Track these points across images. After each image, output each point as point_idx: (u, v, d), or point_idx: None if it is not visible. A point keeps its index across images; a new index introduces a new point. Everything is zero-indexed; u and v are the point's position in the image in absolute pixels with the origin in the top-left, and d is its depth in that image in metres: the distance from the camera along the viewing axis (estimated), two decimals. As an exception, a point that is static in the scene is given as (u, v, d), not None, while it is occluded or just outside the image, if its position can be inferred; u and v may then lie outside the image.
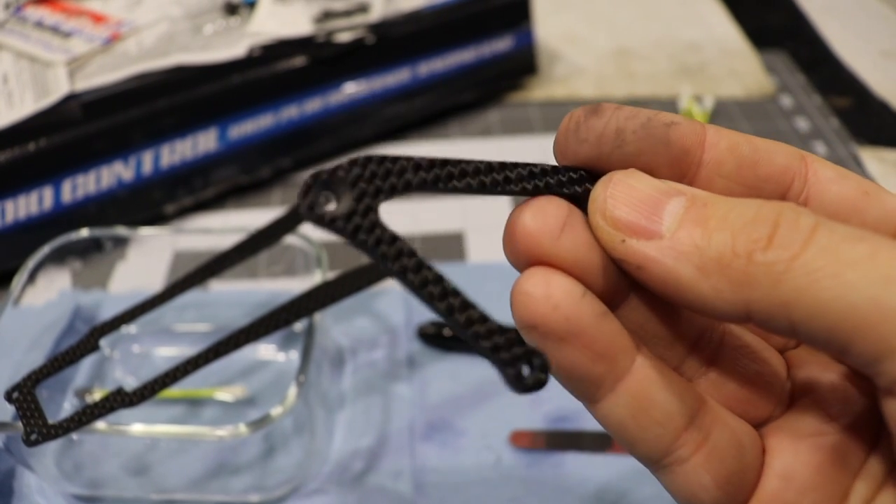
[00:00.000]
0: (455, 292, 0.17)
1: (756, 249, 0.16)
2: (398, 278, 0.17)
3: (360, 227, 0.17)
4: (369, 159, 0.18)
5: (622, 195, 0.18)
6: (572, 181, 0.19)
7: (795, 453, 0.19)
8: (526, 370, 0.16)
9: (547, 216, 0.18)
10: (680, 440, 0.19)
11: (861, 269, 0.15)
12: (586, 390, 0.19)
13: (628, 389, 0.18)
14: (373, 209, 0.17)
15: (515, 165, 0.19)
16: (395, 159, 0.18)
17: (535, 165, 0.19)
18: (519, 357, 0.17)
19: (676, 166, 0.19)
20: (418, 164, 0.18)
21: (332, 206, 0.17)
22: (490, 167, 0.19)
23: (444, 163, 0.18)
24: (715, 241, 0.17)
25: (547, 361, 0.17)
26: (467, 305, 0.17)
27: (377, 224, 0.17)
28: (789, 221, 0.16)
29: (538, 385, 0.16)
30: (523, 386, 0.16)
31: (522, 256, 0.18)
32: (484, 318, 0.17)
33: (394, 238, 0.17)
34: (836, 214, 0.19)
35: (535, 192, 0.19)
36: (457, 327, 0.17)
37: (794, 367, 0.21)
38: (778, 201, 0.17)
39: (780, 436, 0.20)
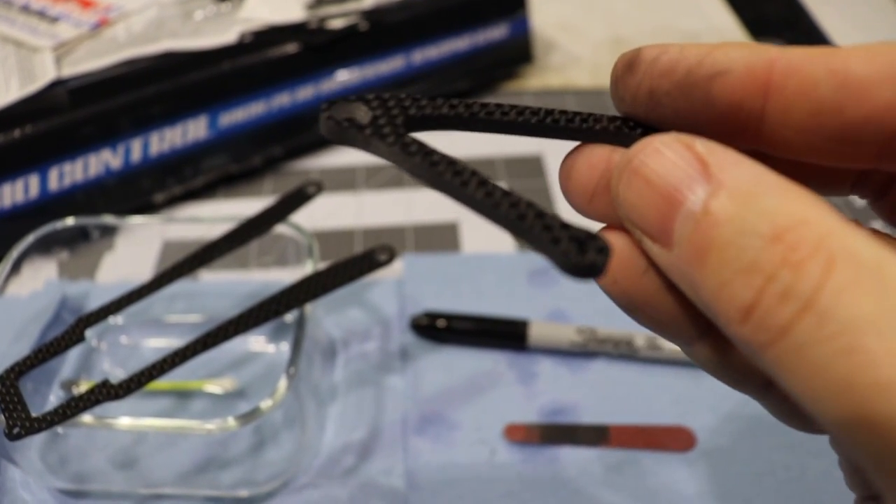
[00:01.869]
0: (496, 186, 0.16)
1: (733, 320, 0.14)
2: (433, 178, 0.16)
3: (385, 128, 0.17)
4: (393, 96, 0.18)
5: (634, 192, 0.16)
6: (621, 129, 0.18)
7: None
8: (580, 252, 0.15)
9: (581, 175, 0.18)
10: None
11: (837, 383, 0.13)
12: (668, 338, 0.18)
13: (703, 350, 0.17)
14: (396, 121, 0.17)
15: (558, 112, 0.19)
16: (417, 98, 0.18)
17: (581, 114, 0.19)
18: (574, 238, 0.15)
19: (727, 124, 0.16)
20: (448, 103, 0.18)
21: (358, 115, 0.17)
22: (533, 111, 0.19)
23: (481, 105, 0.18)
24: (703, 290, 0.15)
25: (606, 245, 0.15)
26: (510, 194, 0.16)
27: (402, 132, 0.17)
28: (774, 294, 0.13)
29: (595, 269, 0.14)
30: (579, 268, 0.15)
31: (582, 212, 0.18)
32: (531, 205, 0.15)
33: (421, 144, 0.17)
34: None
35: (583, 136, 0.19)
36: (503, 218, 0.15)
37: None
38: (794, 233, 0.13)
39: None
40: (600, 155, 0.18)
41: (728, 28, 0.71)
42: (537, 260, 0.47)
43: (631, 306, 0.17)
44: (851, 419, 0.13)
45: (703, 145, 0.15)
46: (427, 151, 0.17)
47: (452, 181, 0.16)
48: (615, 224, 0.17)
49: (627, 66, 0.17)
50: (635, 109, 0.18)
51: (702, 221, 0.14)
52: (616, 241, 0.17)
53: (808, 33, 0.71)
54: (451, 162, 0.16)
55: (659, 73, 0.17)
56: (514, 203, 0.15)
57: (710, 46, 0.16)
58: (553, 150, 0.57)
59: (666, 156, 0.15)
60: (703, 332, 0.17)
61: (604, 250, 0.15)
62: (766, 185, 0.14)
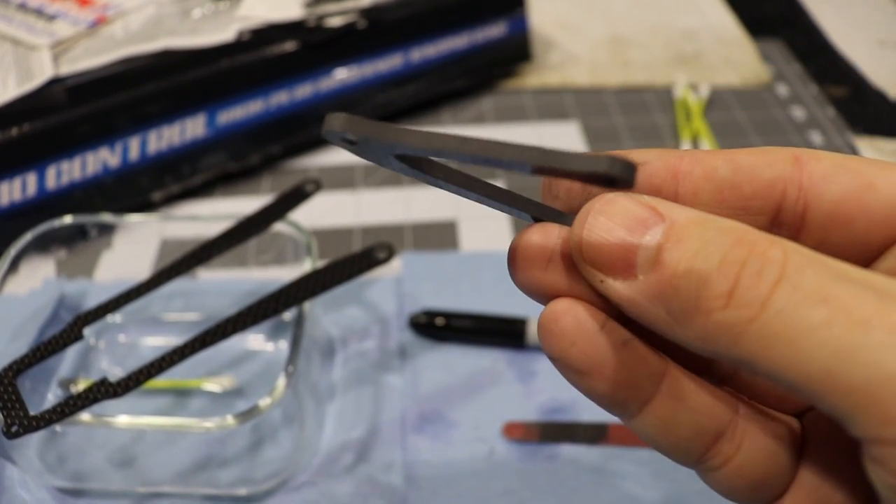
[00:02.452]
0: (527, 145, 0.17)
1: (715, 308, 0.16)
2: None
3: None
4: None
5: (598, 232, 0.18)
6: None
7: (833, 446, 0.19)
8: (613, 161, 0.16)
9: (533, 250, 0.19)
10: (710, 452, 0.19)
11: (815, 338, 0.15)
12: (614, 412, 0.19)
13: (654, 412, 0.19)
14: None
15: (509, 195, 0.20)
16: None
17: (527, 200, 0.20)
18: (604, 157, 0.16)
19: None
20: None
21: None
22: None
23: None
24: (681, 293, 0.16)
25: (634, 166, 0.16)
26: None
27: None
28: (751, 274, 0.15)
29: (630, 169, 0.16)
30: (619, 182, 0.16)
31: (525, 289, 0.19)
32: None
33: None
34: (836, 217, 0.19)
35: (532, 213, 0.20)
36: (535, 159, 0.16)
37: None
38: (750, 235, 0.16)
39: (819, 425, 0.20)
40: (552, 228, 0.19)
41: (726, 26, 0.71)
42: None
43: (588, 368, 0.18)
44: (831, 370, 0.15)
45: (646, 197, 0.18)
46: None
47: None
48: (566, 293, 0.19)
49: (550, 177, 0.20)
50: (570, 203, 0.20)
51: (665, 244, 0.17)
52: (571, 305, 0.18)
53: (806, 32, 0.71)
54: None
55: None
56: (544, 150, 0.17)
57: (626, 151, 0.20)
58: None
59: (621, 201, 0.18)
60: (654, 393, 0.18)
61: (630, 165, 0.16)
62: (711, 217, 0.17)
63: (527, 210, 0.20)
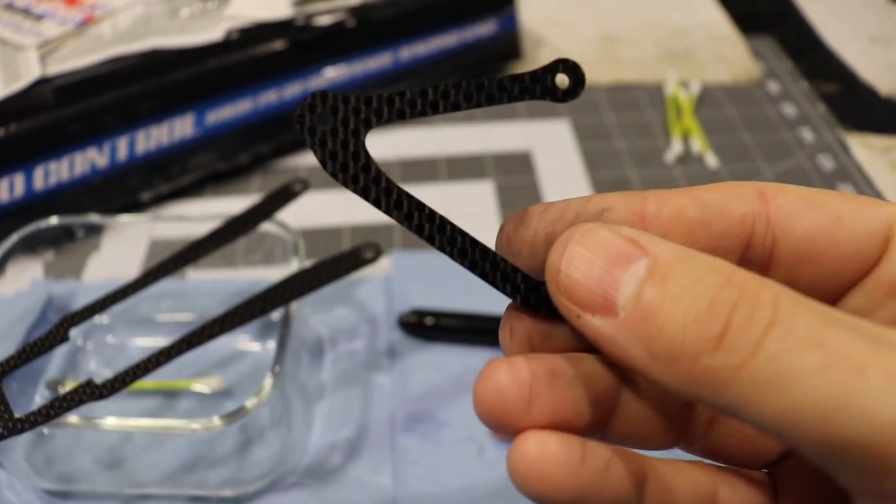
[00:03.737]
0: None
1: (704, 351, 0.15)
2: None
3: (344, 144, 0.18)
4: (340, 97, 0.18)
5: (577, 265, 0.17)
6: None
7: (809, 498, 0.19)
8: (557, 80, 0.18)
9: (508, 397, 0.17)
10: None
11: (809, 384, 0.14)
12: None
13: None
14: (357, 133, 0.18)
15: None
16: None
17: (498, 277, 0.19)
18: (548, 69, 0.18)
19: None
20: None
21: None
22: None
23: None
24: (666, 333, 0.16)
25: (578, 68, 0.18)
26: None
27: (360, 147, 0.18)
28: (743, 317, 0.15)
29: (573, 93, 0.18)
30: (560, 94, 0.18)
31: (504, 432, 0.18)
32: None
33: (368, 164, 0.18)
34: (806, 252, 0.18)
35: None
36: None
37: None
38: (739, 275, 0.16)
39: (789, 479, 0.20)
40: (516, 362, 0.18)
41: (717, 24, 0.71)
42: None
43: (575, 501, 0.17)
44: (825, 418, 0.14)
45: (627, 228, 0.17)
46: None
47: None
48: (546, 425, 0.17)
49: (518, 221, 0.19)
50: (533, 259, 0.19)
51: (649, 281, 0.16)
52: (543, 443, 0.17)
53: (797, 28, 0.71)
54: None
55: (552, 219, 0.19)
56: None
57: (587, 196, 0.19)
58: (541, 147, 0.56)
59: (602, 233, 0.17)
60: (641, 498, 0.18)
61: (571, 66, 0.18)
62: (695, 253, 0.16)
63: (494, 275, 0.19)
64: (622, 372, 0.19)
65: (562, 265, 0.17)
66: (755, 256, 0.19)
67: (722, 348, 0.15)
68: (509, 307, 0.20)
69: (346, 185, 0.18)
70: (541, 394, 0.17)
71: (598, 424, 0.18)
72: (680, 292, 0.16)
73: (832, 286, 0.19)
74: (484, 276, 0.19)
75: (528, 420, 0.17)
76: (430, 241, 0.19)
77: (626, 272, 0.16)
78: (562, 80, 0.18)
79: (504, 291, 0.19)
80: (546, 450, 0.17)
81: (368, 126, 0.18)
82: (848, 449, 0.14)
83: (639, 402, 0.19)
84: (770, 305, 0.15)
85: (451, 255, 0.19)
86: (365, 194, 0.18)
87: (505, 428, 0.18)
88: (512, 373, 0.17)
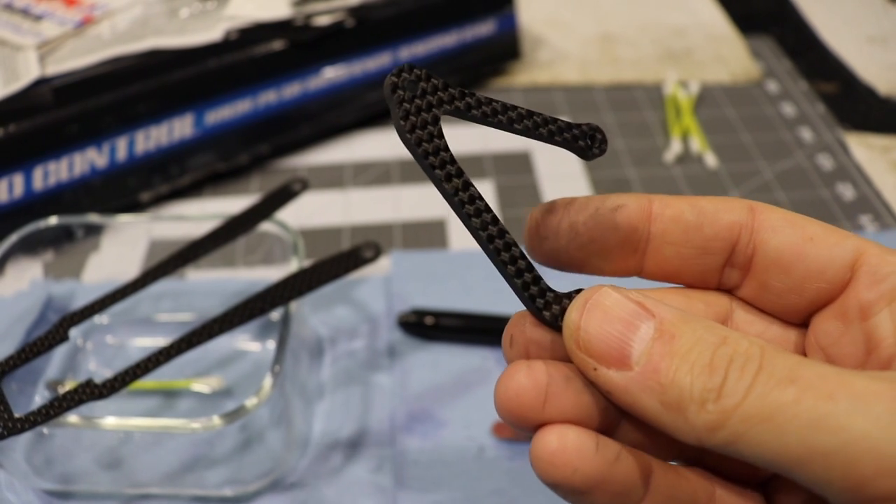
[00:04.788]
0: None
1: (708, 399, 0.17)
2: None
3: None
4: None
5: (595, 324, 0.19)
6: (550, 301, 0.21)
7: None
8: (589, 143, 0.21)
9: (526, 396, 0.19)
10: None
11: (787, 413, 0.16)
12: None
13: None
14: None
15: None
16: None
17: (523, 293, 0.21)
18: (581, 135, 0.21)
19: (627, 243, 0.22)
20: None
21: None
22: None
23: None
24: (676, 383, 0.18)
25: (603, 137, 0.21)
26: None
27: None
28: (737, 368, 0.17)
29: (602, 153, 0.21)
30: (592, 155, 0.21)
31: (521, 426, 0.20)
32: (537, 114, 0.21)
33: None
34: (778, 261, 0.21)
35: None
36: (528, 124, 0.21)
37: None
38: (733, 335, 0.18)
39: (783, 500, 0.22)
40: (535, 365, 0.20)
41: (715, 23, 0.71)
42: (525, 256, 0.47)
43: (589, 488, 0.19)
44: (805, 441, 0.16)
45: (633, 293, 0.20)
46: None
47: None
48: (564, 421, 0.20)
49: (546, 210, 0.22)
50: (557, 242, 0.22)
51: (659, 340, 0.18)
52: (562, 433, 0.19)
53: (796, 28, 0.71)
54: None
55: (575, 210, 0.22)
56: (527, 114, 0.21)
57: (605, 195, 0.22)
58: (540, 147, 0.56)
59: (614, 295, 0.19)
60: (645, 493, 0.20)
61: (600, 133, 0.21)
62: (691, 316, 0.19)
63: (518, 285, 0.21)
64: None
65: (581, 324, 0.19)
66: (738, 261, 0.22)
67: (722, 395, 0.17)
68: (516, 315, 0.22)
69: (412, 147, 0.20)
70: (556, 395, 0.19)
71: (605, 429, 0.20)
72: (686, 350, 0.18)
73: (802, 298, 0.21)
74: (512, 282, 0.20)
75: (543, 417, 0.19)
76: (468, 223, 0.20)
77: (637, 331, 0.19)
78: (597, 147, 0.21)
79: (522, 297, 0.21)
80: (565, 439, 0.19)
81: (440, 105, 0.20)
82: (829, 465, 0.16)
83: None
84: (757, 358, 0.17)
85: (484, 248, 0.20)
86: (424, 158, 0.20)
87: (521, 423, 0.20)
88: (531, 375, 0.19)
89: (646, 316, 0.19)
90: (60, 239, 0.46)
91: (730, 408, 0.17)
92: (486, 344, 0.42)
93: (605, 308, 0.19)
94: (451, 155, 0.20)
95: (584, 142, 0.21)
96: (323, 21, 0.55)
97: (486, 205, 0.20)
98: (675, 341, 0.18)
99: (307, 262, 0.38)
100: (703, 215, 0.22)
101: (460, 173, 0.20)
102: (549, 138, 0.21)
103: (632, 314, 0.19)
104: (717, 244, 0.22)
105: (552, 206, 0.22)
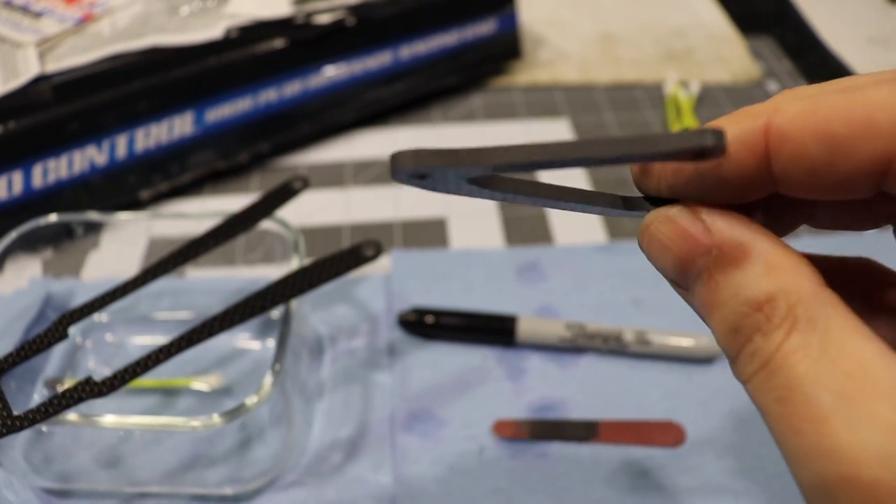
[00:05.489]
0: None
1: (726, 356, 0.18)
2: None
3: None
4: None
5: (656, 252, 0.19)
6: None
7: None
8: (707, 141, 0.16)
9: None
10: None
11: (769, 416, 0.17)
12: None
13: None
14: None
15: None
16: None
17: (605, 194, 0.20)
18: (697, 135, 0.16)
19: (745, 190, 0.18)
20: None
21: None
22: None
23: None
24: (712, 328, 0.18)
25: (722, 133, 0.16)
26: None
27: None
28: (748, 354, 0.17)
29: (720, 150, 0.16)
30: (711, 153, 0.16)
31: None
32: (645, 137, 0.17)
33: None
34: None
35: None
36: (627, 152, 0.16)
37: None
38: (767, 312, 0.17)
39: None
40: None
41: (716, 23, 0.71)
42: (526, 255, 0.47)
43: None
44: (785, 447, 0.16)
45: (707, 213, 0.18)
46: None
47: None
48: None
49: (642, 173, 0.20)
50: (661, 183, 0.20)
51: (707, 283, 0.18)
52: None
53: (796, 28, 0.71)
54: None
55: (671, 173, 0.19)
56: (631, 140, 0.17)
57: (701, 132, 0.18)
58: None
59: (677, 223, 0.18)
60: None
61: (718, 133, 0.16)
62: (758, 252, 0.17)
63: (612, 204, 0.20)
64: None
65: (644, 248, 0.19)
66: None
67: (733, 366, 0.18)
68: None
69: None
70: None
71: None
72: (723, 303, 0.18)
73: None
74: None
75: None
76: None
77: (693, 267, 0.18)
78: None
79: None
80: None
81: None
82: None
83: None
84: (774, 345, 0.16)
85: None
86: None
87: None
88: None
89: (706, 245, 0.18)
90: (60, 236, 0.46)
91: (741, 380, 0.17)
92: (486, 343, 0.42)
93: (663, 238, 0.19)
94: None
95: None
96: (324, 19, 0.55)
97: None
98: (718, 292, 0.18)
99: (308, 261, 0.38)
100: (834, 151, 0.16)
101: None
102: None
103: (690, 243, 0.18)
104: (860, 179, 0.17)
105: (646, 171, 0.19)
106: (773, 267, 0.17)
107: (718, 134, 0.15)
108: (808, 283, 0.17)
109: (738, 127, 0.17)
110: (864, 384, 0.15)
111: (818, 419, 0.15)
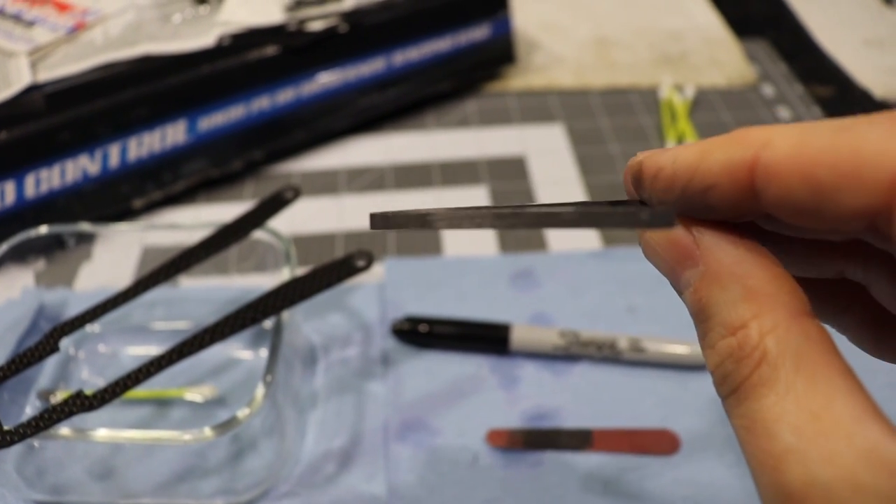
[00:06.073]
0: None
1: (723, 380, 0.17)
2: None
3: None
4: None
5: (651, 256, 0.19)
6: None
7: None
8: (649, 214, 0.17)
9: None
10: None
11: (741, 441, 0.17)
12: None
13: None
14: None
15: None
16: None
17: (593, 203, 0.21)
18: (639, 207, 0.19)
19: (732, 215, 0.18)
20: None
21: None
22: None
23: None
24: (699, 336, 0.18)
25: (668, 209, 0.17)
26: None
27: None
28: (720, 376, 0.17)
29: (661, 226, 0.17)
30: (651, 224, 0.17)
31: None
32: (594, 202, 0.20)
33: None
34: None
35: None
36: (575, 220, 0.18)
37: None
38: (740, 339, 0.17)
39: None
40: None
41: (712, 27, 0.71)
42: (519, 263, 0.47)
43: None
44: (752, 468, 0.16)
45: (697, 228, 0.18)
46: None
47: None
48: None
49: (635, 181, 0.20)
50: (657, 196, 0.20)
51: (693, 296, 0.18)
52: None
53: (791, 31, 0.71)
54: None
55: (661, 189, 0.19)
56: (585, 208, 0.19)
57: (696, 155, 0.18)
58: (535, 152, 0.56)
59: (670, 233, 0.19)
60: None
61: (659, 215, 0.17)
62: (739, 274, 0.17)
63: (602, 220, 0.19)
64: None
65: (642, 250, 0.20)
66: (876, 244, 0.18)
67: (712, 378, 0.18)
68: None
69: None
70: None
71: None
72: (707, 317, 0.18)
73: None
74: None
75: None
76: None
77: (682, 276, 0.19)
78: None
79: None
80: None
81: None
82: None
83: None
84: (743, 375, 0.17)
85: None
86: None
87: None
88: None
89: (692, 259, 0.18)
90: (51, 248, 0.46)
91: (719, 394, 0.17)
92: (480, 351, 0.42)
93: (656, 245, 0.19)
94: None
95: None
96: (316, 26, 0.54)
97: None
98: (702, 306, 0.18)
99: (300, 270, 0.38)
100: (821, 194, 0.16)
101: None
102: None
103: (680, 254, 0.18)
104: (843, 230, 0.17)
105: (638, 178, 0.20)
106: (752, 292, 0.17)
107: (659, 216, 0.17)
108: (783, 312, 0.16)
109: (724, 156, 0.17)
110: (825, 424, 0.15)
111: (776, 455, 0.15)
